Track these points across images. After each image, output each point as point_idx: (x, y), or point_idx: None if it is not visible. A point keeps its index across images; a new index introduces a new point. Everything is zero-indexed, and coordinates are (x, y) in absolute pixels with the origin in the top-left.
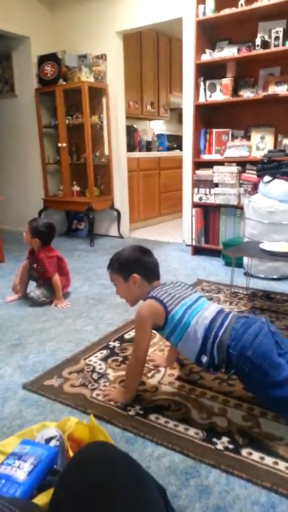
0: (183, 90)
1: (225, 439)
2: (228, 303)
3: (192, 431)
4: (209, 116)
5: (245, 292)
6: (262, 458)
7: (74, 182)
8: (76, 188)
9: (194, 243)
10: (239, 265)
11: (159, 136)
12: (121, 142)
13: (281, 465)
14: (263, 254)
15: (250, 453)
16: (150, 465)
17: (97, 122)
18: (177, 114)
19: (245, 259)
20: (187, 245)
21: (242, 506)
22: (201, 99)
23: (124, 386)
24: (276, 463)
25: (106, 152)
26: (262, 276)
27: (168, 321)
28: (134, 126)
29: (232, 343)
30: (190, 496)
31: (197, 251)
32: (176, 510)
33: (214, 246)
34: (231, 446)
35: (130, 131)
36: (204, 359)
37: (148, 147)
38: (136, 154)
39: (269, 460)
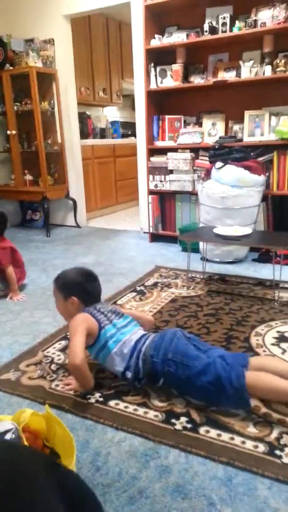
0: (135, 76)
1: (183, 419)
2: (185, 287)
3: (151, 414)
4: (161, 103)
5: (202, 277)
6: (219, 435)
7: (26, 171)
8: (28, 177)
9: (151, 230)
10: (196, 250)
11: (113, 123)
12: (74, 129)
13: (237, 440)
14: (217, 238)
15: (207, 431)
16: (110, 451)
17: (47, 108)
18: (130, 100)
19: (201, 244)
20: (144, 232)
21: (200, 482)
22: (153, 85)
23: (79, 383)
24: (232, 438)
25: (59, 140)
26: (217, 260)
27: (101, 336)
28: (87, 113)
29: (154, 353)
30: (151, 477)
31: (155, 238)
32: (137, 492)
33: (171, 233)
34: (189, 426)
35: (83, 118)
36: (129, 375)
37: (102, 134)
38: (90, 142)
39: (225, 436)
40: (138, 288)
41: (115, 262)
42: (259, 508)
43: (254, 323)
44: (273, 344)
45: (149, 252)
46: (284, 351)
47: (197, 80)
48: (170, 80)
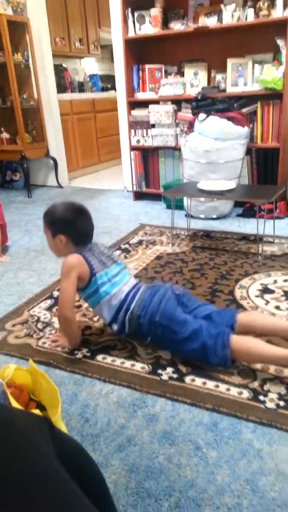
0: (112, 23)
1: (169, 369)
2: (170, 244)
3: (138, 366)
4: (140, 52)
5: (186, 233)
6: (204, 383)
7: (2, 129)
8: (5, 135)
9: (135, 189)
10: (180, 207)
11: (92, 76)
12: (50, 83)
13: (222, 387)
14: (200, 193)
15: (193, 380)
16: (99, 402)
17: (21, 60)
18: (109, 51)
19: (185, 201)
20: (128, 191)
21: (187, 428)
22: (131, 33)
23: (66, 337)
24: (217, 386)
25: (35, 95)
26: (202, 216)
27: (92, 283)
28: (63, 65)
29: (142, 313)
30: (138, 425)
31: (139, 196)
32: (126, 440)
33: (155, 190)
34: (175, 376)
35: (59, 71)
36: (115, 327)
37: (81, 88)
38: (68, 96)
39: (210, 384)
40: (123, 246)
41: (99, 221)
42: (244, 450)
43: (238, 277)
44: (256, 296)
45: (134, 211)
46: (267, 302)
47: (177, 27)
48: (149, 26)
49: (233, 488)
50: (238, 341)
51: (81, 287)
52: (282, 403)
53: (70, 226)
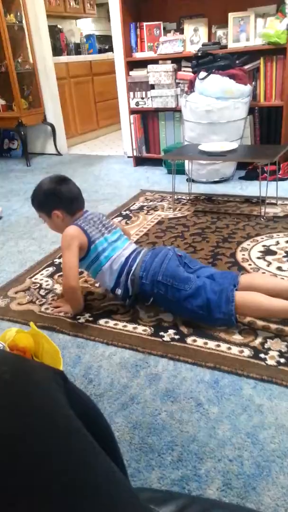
0: None
1: (171, 331)
2: (171, 209)
3: (140, 329)
4: (138, 9)
5: (188, 198)
6: (205, 343)
7: None
8: (1, 101)
9: (135, 154)
10: (181, 172)
11: (88, 37)
12: (45, 45)
13: (223, 346)
14: (202, 155)
15: (194, 340)
16: (102, 364)
17: (14, 22)
18: (105, 11)
19: (187, 165)
20: (128, 156)
21: (188, 385)
22: None
23: (70, 305)
24: (218, 345)
25: (30, 58)
26: (203, 180)
27: (91, 251)
28: (59, 26)
29: (144, 274)
30: (141, 385)
31: (139, 161)
32: (129, 399)
33: (156, 155)
34: (177, 337)
35: (55, 32)
36: (119, 292)
37: (77, 50)
38: (64, 59)
39: (212, 344)
40: (124, 213)
41: (99, 188)
42: (244, 405)
43: (240, 239)
44: (258, 258)
45: (134, 177)
46: (269, 263)
47: None
48: None
49: (234, 442)
50: (242, 296)
51: (81, 256)
52: (282, 360)
53: (58, 196)
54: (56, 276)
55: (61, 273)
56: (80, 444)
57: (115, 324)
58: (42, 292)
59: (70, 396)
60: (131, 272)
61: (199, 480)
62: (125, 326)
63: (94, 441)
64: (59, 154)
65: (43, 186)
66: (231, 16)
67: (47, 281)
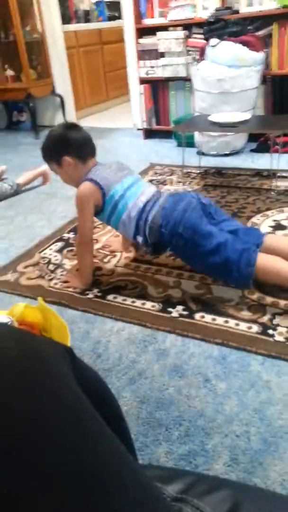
0: None
1: (179, 307)
2: (181, 183)
3: (149, 305)
4: None
5: (198, 171)
6: (213, 319)
7: (6, 66)
8: (9, 72)
9: (145, 126)
10: (191, 144)
11: (98, 3)
12: (54, 13)
13: (231, 322)
14: (212, 126)
15: (202, 316)
16: (110, 339)
17: None
18: None
19: (197, 137)
20: (138, 129)
21: (196, 361)
22: None
23: (78, 270)
24: (226, 321)
25: (38, 27)
26: (214, 153)
27: (107, 202)
28: None
29: (164, 222)
30: (149, 360)
31: (149, 134)
32: (137, 374)
33: (166, 127)
34: (185, 313)
35: None
36: (140, 239)
37: (86, 17)
38: (73, 27)
39: (220, 320)
40: None
41: (109, 161)
42: (252, 381)
43: (250, 214)
44: (269, 233)
45: (144, 150)
46: None
47: None
48: None
49: (241, 417)
50: (263, 260)
51: (99, 210)
52: None
53: (67, 141)
54: (65, 251)
55: (70, 248)
56: (87, 421)
57: (124, 300)
58: (51, 267)
59: (78, 373)
60: (149, 219)
61: (206, 455)
62: (133, 301)
63: (101, 418)
64: None
65: (51, 133)
66: None
67: (56, 256)
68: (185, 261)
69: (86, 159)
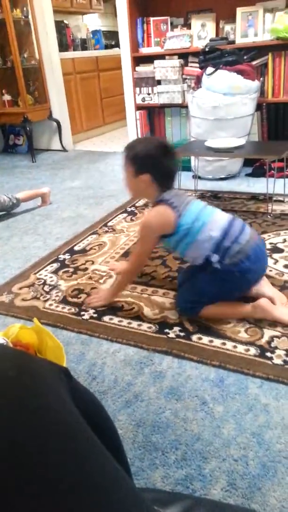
0: None
1: (176, 328)
2: None
3: (145, 326)
4: (145, 3)
5: (194, 194)
6: (211, 341)
7: (3, 91)
8: (6, 97)
9: None
10: (187, 168)
11: (95, 32)
12: (51, 41)
13: (229, 344)
14: (208, 151)
15: (200, 338)
16: (106, 361)
17: (20, 17)
18: (112, 6)
19: (193, 162)
20: None
21: (193, 384)
22: None
23: (114, 288)
24: (224, 343)
25: (36, 54)
26: (210, 177)
27: (182, 225)
28: (65, 21)
29: (252, 256)
30: (145, 382)
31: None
32: (133, 396)
33: None
34: (182, 334)
35: (61, 28)
36: (215, 258)
37: (84, 45)
38: (70, 54)
39: (217, 342)
40: (129, 209)
41: (104, 185)
42: (250, 405)
43: None
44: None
45: None
46: (276, 261)
47: None
48: None
49: (239, 441)
50: (209, 311)
51: (169, 233)
52: None
53: (157, 164)
54: (60, 273)
55: (66, 269)
56: (84, 442)
57: (120, 321)
58: (47, 288)
59: (74, 393)
60: (239, 242)
61: (204, 480)
62: (129, 323)
63: (97, 439)
64: (64, 150)
65: (147, 145)
66: (239, 11)
67: (51, 277)
68: (190, 274)
69: (162, 188)
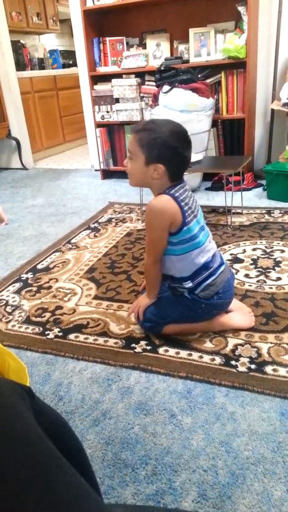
0: None
1: (143, 342)
2: (140, 221)
3: (111, 342)
4: (100, 23)
5: None
6: (177, 353)
7: None
8: None
9: (102, 167)
10: None
11: (52, 52)
12: (8, 60)
13: (195, 355)
14: None
15: (166, 350)
16: (72, 380)
17: None
18: (68, 26)
19: None
20: (96, 170)
21: (161, 397)
22: (89, 3)
23: (147, 289)
24: (190, 354)
25: None
26: None
27: (183, 232)
28: (22, 41)
29: (215, 295)
30: (113, 399)
31: (107, 174)
32: (101, 414)
33: (123, 168)
34: (149, 348)
35: (18, 48)
36: (189, 284)
37: (41, 65)
38: (28, 73)
39: (183, 353)
40: (92, 226)
41: (67, 202)
42: (217, 414)
43: None
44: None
45: (102, 189)
46: (237, 271)
47: None
48: None
49: (208, 451)
50: (170, 329)
51: (173, 231)
52: (253, 366)
53: (176, 156)
54: (23, 292)
55: (28, 288)
56: (47, 459)
57: (86, 338)
58: (9, 309)
59: (37, 412)
60: (215, 276)
61: (174, 493)
62: (95, 339)
63: (62, 457)
64: (25, 168)
65: (168, 133)
66: (191, 31)
67: (13, 297)
68: (165, 303)
69: (174, 180)
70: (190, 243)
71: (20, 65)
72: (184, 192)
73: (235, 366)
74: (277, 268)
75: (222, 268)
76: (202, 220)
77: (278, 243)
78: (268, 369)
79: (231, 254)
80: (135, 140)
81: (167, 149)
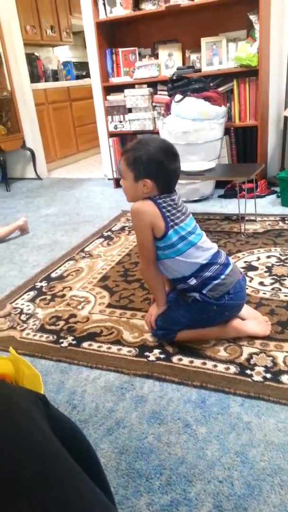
0: (82, 8)
1: (156, 351)
2: None
3: (125, 350)
4: (113, 35)
5: None
6: (191, 362)
7: None
8: None
9: (115, 176)
10: None
11: (66, 63)
12: (23, 72)
13: (209, 364)
14: (180, 174)
15: (180, 359)
16: (86, 388)
17: None
18: (81, 38)
19: None
20: (109, 179)
21: (175, 406)
22: (102, 16)
23: (154, 296)
24: (204, 363)
25: (8, 85)
26: (184, 199)
27: (169, 236)
28: (36, 54)
29: (227, 295)
30: (127, 408)
31: (120, 183)
32: (114, 423)
33: None
34: (162, 356)
35: (32, 60)
36: (193, 281)
37: (55, 76)
38: (42, 85)
39: (197, 362)
40: (105, 234)
41: (80, 210)
42: (232, 424)
43: None
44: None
45: (115, 198)
46: (251, 279)
47: (148, 7)
48: (120, 8)
49: (223, 462)
50: (183, 335)
51: (158, 237)
52: (268, 376)
53: (161, 170)
54: (37, 301)
55: (43, 297)
56: (61, 468)
57: (99, 347)
58: (23, 317)
59: (51, 420)
60: (223, 275)
61: (189, 504)
62: (109, 348)
63: (76, 465)
64: (39, 178)
65: (150, 149)
66: (203, 41)
67: (28, 305)
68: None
69: (165, 191)
70: (175, 248)
71: (35, 77)
72: (170, 201)
73: (250, 375)
74: None
75: (230, 268)
76: (192, 224)
77: None
78: (284, 378)
79: (245, 262)
80: (123, 160)
81: (152, 164)
